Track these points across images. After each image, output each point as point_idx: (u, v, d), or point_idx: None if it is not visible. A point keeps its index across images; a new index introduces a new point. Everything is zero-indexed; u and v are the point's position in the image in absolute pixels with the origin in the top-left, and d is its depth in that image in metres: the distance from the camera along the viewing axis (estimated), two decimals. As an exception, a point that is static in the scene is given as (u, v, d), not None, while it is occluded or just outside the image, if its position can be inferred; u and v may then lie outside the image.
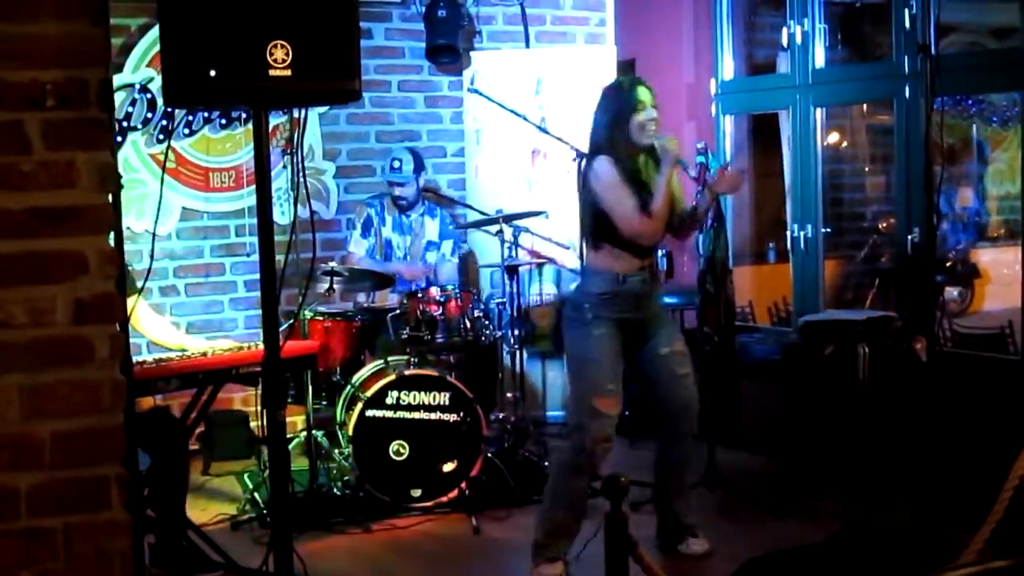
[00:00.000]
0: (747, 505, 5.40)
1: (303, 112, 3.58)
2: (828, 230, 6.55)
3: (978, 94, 7.25)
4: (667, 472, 4.84)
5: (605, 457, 4.63)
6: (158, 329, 5.22)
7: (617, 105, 4.58)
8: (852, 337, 5.12)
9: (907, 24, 5.73)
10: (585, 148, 4.77)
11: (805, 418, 5.93)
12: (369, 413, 5.44)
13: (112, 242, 2.79)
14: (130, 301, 3.43)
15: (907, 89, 5.80)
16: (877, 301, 6.75)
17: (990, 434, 4.84)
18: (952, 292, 7.60)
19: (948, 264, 7.66)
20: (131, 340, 3.04)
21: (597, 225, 4.58)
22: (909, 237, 5.78)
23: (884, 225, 7.63)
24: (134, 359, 3.76)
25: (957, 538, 3.86)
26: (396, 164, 6.44)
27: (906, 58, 5.78)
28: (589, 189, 4.59)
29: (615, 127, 4.55)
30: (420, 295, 5.78)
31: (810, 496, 5.46)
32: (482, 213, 6.56)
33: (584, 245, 4.81)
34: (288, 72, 3.11)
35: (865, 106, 7.61)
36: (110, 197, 2.78)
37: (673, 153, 4.48)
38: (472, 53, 7.24)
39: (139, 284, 4.56)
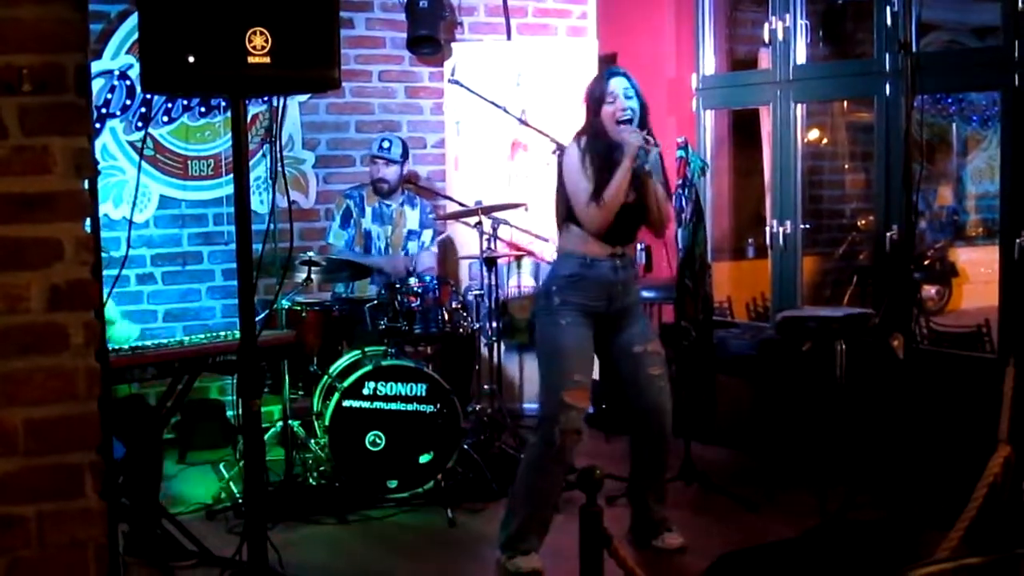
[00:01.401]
0: (723, 500, 5.41)
1: (281, 100, 3.55)
2: (807, 226, 6.55)
3: (958, 93, 7.27)
4: (641, 469, 4.83)
5: (575, 449, 4.62)
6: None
7: (595, 93, 4.63)
8: (829, 334, 5.12)
9: (888, 22, 5.73)
10: (565, 141, 4.80)
11: (781, 414, 5.94)
12: (346, 403, 5.43)
13: (88, 228, 2.77)
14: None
15: (887, 87, 5.81)
16: (855, 298, 6.77)
17: (965, 433, 4.85)
18: (930, 290, 7.64)
19: (926, 262, 7.69)
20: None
21: (565, 206, 4.64)
22: (888, 234, 5.79)
23: (863, 222, 7.65)
24: (110, 347, 3.74)
25: (931, 535, 3.88)
26: (386, 144, 6.43)
27: (887, 56, 5.79)
28: (559, 170, 4.68)
29: (593, 114, 4.63)
30: (399, 286, 5.76)
31: (786, 492, 5.47)
32: (461, 204, 6.55)
33: (558, 231, 4.82)
34: (267, 59, 3.09)
35: (845, 103, 7.62)
36: (86, 183, 2.76)
37: (633, 146, 4.48)
38: (453, 44, 7.23)
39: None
